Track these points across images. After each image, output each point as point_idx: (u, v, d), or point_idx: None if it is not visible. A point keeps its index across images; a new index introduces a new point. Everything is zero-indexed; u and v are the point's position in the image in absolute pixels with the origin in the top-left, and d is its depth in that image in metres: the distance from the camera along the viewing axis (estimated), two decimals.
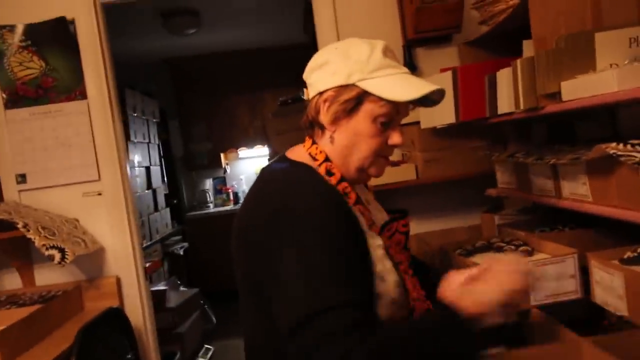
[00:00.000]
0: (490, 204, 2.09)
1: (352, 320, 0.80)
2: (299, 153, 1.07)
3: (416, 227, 2.24)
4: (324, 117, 1.01)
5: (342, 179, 1.01)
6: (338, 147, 1.02)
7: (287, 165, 1.04)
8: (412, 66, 2.31)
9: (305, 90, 1.10)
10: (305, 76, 1.08)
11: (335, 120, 1.01)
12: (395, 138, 1.03)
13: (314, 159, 1.03)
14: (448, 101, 1.89)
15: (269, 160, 4.74)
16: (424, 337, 0.83)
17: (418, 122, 2.10)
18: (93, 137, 2.34)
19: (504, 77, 1.62)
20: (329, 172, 1.01)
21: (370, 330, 0.81)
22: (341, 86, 0.99)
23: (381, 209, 1.15)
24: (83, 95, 2.32)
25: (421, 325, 0.88)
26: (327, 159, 1.02)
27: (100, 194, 2.36)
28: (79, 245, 2.18)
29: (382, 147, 1.02)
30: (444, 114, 1.93)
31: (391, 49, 1.04)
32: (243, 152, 5.63)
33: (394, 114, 1.00)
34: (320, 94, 1.02)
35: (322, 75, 1.02)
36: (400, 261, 1.01)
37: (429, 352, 0.81)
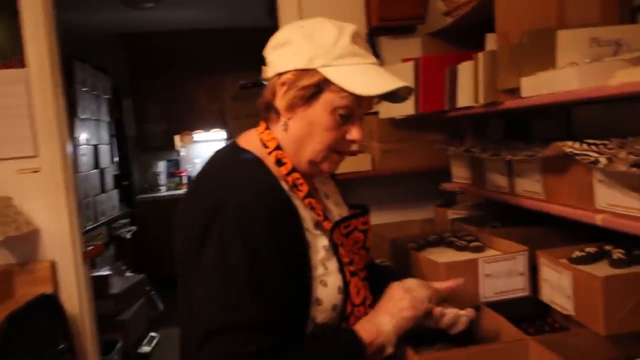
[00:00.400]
0: (445, 198, 2.08)
1: (256, 347, 0.79)
2: (249, 139, 1.00)
3: (371, 219, 2.21)
4: (280, 102, 0.94)
5: (294, 169, 0.95)
6: (291, 136, 0.95)
7: (232, 155, 0.98)
8: (374, 55, 2.27)
9: (263, 68, 1.02)
10: (265, 53, 1.00)
11: (292, 107, 0.94)
12: (354, 133, 0.94)
13: (265, 146, 0.97)
14: None
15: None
16: None
17: (377, 112, 2.06)
18: (32, 109, 2.17)
19: (465, 70, 1.59)
20: (280, 162, 0.95)
21: (277, 355, 0.80)
22: (302, 70, 0.91)
23: (341, 202, 1.09)
24: (22, 64, 2.15)
25: (323, 351, 0.88)
26: (278, 147, 0.96)
27: (37, 172, 2.20)
28: (9, 226, 2.02)
29: (338, 141, 0.95)
30: (403, 105, 1.87)
31: (361, 35, 0.97)
32: (199, 135, 5.47)
33: (355, 107, 0.93)
34: (279, 75, 0.94)
35: (282, 54, 0.94)
36: (351, 261, 0.96)
37: None
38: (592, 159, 0.91)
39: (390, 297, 0.94)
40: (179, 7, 4.18)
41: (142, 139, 5.25)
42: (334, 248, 0.93)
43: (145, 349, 3.46)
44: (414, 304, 0.92)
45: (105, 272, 3.36)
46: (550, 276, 1.08)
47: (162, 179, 5.40)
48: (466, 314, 0.99)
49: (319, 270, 0.90)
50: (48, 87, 2.18)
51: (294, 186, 0.94)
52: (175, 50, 5.07)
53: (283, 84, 0.93)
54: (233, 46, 4.94)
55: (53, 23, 2.20)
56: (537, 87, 1.23)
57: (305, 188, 0.94)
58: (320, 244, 0.93)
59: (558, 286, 1.04)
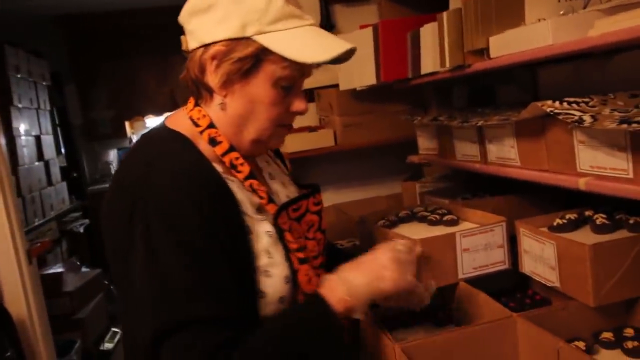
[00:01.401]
0: (411, 172, 2.01)
1: (210, 343, 0.70)
2: (177, 119, 0.87)
3: (334, 197, 2.12)
4: (212, 79, 0.81)
5: (231, 148, 0.83)
6: (230, 116, 0.84)
7: (156, 139, 0.85)
8: (329, 23, 2.16)
9: (182, 38, 0.87)
10: (182, 19, 0.85)
11: (227, 83, 0.81)
12: (298, 104, 0.85)
13: (196, 125, 0.84)
14: (368, 61, 1.76)
15: None
16: (292, 345, 0.76)
17: (336, 85, 1.96)
18: None
19: (428, 33, 1.50)
20: (214, 141, 0.83)
21: (232, 348, 0.71)
22: (234, 39, 0.79)
23: (289, 183, 0.99)
24: None
25: (290, 331, 0.78)
26: (211, 125, 0.84)
27: None
28: None
29: (283, 115, 0.85)
30: (364, 75, 1.80)
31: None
32: (150, 120, 5.21)
33: (298, 76, 0.83)
34: (205, 47, 0.81)
35: (206, 22, 0.81)
36: (303, 247, 0.86)
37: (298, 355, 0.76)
38: (576, 117, 0.84)
39: (373, 258, 0.85)
40: None
41: (89, 127, 4.95)
42: (280, 234, 0.83)
43: (108, 345, 3.31)
44: (396, 280, 0.81)
45: (57, 269, 3.16)
46: (531, 247, 1.01)
47: (114, 168, 5.14)
48: (428, 286, 0.91)
49: (262, 260, 0.80)
50: None
51: (233, 167, 0.83)
52: (119, 31, 4.76)
53: (213, 57, 0.80)
54: (173, 25, 4.68)
55: None
56: (507, 46, 1.15)
57: (246, 169, 0.83)
58: (262, 229, 0.82)
59: (540, 257, 0.98)
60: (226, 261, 0.75)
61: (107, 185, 4.85)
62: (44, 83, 4.11)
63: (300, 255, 0.83)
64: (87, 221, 4.35)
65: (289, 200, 0.88)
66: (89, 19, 4.65)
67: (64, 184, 4.17)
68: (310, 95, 2.14)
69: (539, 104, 0.93)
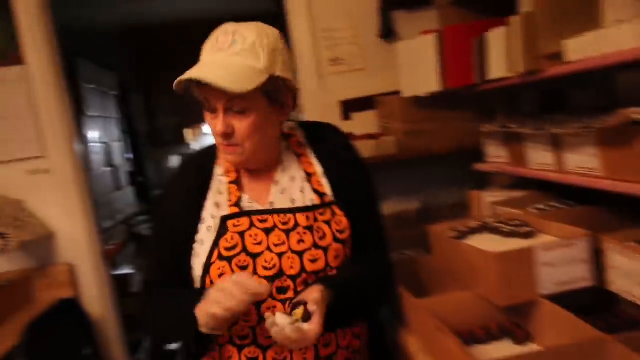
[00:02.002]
0: (475, 181, 1.95)
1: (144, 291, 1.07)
2: None
3: (395, 206, 2.10)
4: None
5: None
6: None
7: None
8: (388, 30, 2.14)
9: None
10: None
11: None
12: (213, 125, 0.97)
13: None
14: (431, 67, 1.73)
15: None
16: (161, 317, 1.02)
17: (398, 92, 1.94)
18: (34, 108, 2.08)
19: (496, 38, 1.45)
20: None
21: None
22: None
23: (298, 198, 1.03)
24: (20, 61, 2.05)
25: (167, 305, 1.01)
26: None
27: (47, 172, 2.12)
28: (24, 230, 1.95)
29: (215, 134, 0.98)
30: (427, 81, 1.77)
31: (230, 32, 0.95)
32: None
33: (203, 99, 0.97)
34: None
35: None
36: (233, 246, 0.97)
37: (159, 330, 1.08)
38: None
39: (215, 285, 0.92)
40: None
41: (153, 134, 5.17)
42: (219, 231, 0.97)
43: (173, 345, 3.41)
44: (220, 301, 0.86)
45: (126, 270, 3.30)
46: (620, 263, 0.95)
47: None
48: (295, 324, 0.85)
49: (196, 244, 1.00)
50: (52, 84, 2.09)
51: (227, 172, 1.04)
52: (181, 42, 4.93)
53: None
54: None
55: (49, 19, 2.11)
56: (585, 49, 1.10)
57: (232, 176, 1.03)
58: (207, 223, 1.00)
59: (630, 274, 0.92)
60: (171, 236, 1.02)
61: None
62: (112, 93, 4.32)
63: (226, 253, 0.96)
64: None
65: (233, 213, 0.99)
66: (152, 31, 4.85)
67: (131, 188, 4.36)
68: (370, 102, 2.14)
69: (628, 111, 0.88)
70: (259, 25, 0.97)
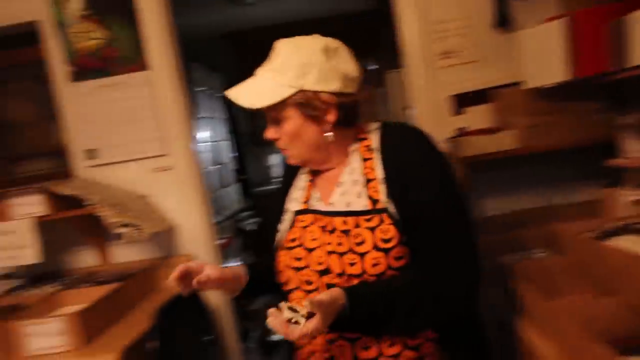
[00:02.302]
0: (607, 177, 1.79)
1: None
2: None
3: (514, 204, 1.99)
4: None
5: None
6: None
7: None
8: (503, 19, 2.03)
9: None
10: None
11: None
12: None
13: None
14: (557, 56, 1.61)
15: None
16: None
17: (518, 83, 1.83)
18: (157, 110, 2.24)
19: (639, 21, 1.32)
20: None
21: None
22: None
23: (354, 200, 1.06)
24: (145, 67, 2.21)
25: None
26: None
27: (170, 169, 2.27)
28: (151, 223, 2.10)
29: None
30: (551, 71, 1.65)
31: (274, 49, 1.07)
32: None
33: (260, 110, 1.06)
34: None
35: None
36: (294, 238, 1.10)
37: None
38: None
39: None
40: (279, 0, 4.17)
41: (255, 134, 5.37)
42: (291, 224, 1.12)
43: (276, 337, 3.53)
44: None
45: (234, 263, 3.46)
46: None
47: (275, 171, 5.50)
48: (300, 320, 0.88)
49: (278, 232, 1.16)
50: (173, 87, 2.23)
51: (307, 170, 1.17)
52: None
53: None
54: (337, 34, 4.81)
55: (171, 25, 2.25)
56: None
57: (309, 175, 1.16)
58: (287, 215, 1.15)
59: None
60: (268, 225, 1.21)
61: (269, 187, 5.21)
62: (218, 95, 4.55)
63: (288, 244, 1.10)
64: (258, 219, 4.71)
65: (310, 209, 1.11)
66: (253, 33, 5.04)
67: (236, 185, 4.57)
68: (484, 96, 2.04)
69: None
70: (299, 40, 1.05)
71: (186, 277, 1.07)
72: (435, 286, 0.98)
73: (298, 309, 0.88)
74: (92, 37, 2.20)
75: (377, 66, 4.30)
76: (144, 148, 2.25)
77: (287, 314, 0.88)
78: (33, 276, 2.29)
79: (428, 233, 0.99)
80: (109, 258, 2.33)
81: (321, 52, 1.02)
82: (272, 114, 1.05)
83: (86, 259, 2.35)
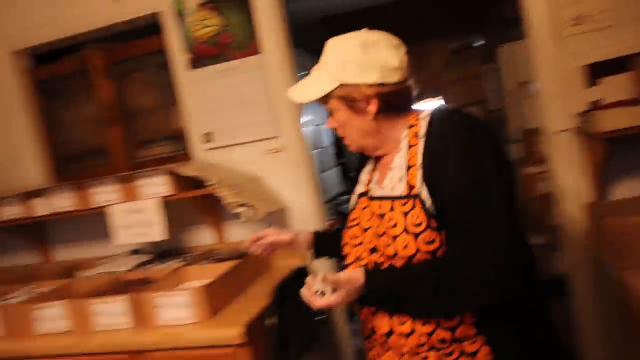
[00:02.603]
0: None
1: None
2: None
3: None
4: None
5: None
6: None
7: None
8: None
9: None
10: None
11: None
12: None
13: None
14: None
15: None
16: None
17: None
18: (269, 93, 2.27)
19: None
20: None
21: None
22: None
23: (395, 184, 1.13)
24: (257, 51, 2.26)
25: None
26: None
27: (280, 151, 2.31)
28: (265, 203, 2.16)
29: None
30: None
31: (324, 47, 1.17)
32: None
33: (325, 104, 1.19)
34: None
35: None
36: (353, 219, 1.24)
37: None
38: None
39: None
40: None
41: None
42: (355, 205, 1.25)
43: None
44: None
45: None
46: None
47: None
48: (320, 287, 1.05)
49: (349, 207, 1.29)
50: (284, 71, 2.26)
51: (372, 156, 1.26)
52: (375, 25, 4.98)
53: None
54: (436, 13, 4.65)
55: (282, 9, 2.27)
56: None
57: (373, 161, 1.25)
58: (354, 197, 1.28)
59: None
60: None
61: None
62: None
63: (350, 223, 1.24)
64: None
65: (360, 193, 1.25)
66: (348, 17, 4.99)
67: (336, 169, 4.59)
68: (622, 64, 1.83)
69: None
70: (341, 37, 1.15)
71: (258, 240, 1.46)
72: (457, 272, 1.00)
73: (326, 283, 1.04)
74: (207, 24, 2.29)
75: (484, 42, 4.07)
76: (257, 131, 2.31)
77: (317, 285, 1.04)
78: (157, 252, 2.46)
79: (456, 219, 1.02)
80: (224, 237, 2.44)
81: (359, 47, 1.10)
82: (325, 107, 1.18)
83: (204, 237, 2.47)
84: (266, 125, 2.30)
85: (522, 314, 1.07)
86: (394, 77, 1.09)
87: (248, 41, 2.26)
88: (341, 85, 1.11)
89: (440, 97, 4.99)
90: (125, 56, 2.58)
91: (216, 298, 1.78)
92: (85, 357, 1.77)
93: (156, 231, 2.10)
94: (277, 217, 2.31)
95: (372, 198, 1.18)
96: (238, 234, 2.39)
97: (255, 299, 1.86)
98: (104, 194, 2.18)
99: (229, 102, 2.31)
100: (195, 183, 2.16)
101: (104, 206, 2.18)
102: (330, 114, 1.18)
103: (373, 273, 1.08)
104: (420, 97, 4.82)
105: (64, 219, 2.46)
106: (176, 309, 1.74)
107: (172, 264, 2.22)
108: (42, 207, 2.30)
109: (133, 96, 2.61)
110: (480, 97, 3.87)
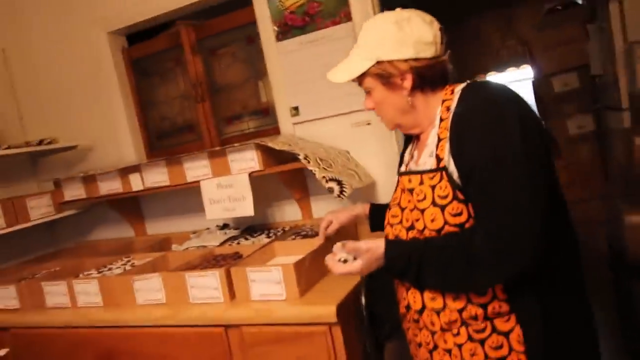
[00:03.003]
0: None
1: None
2: None
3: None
4: None
5: None
6: None
7: None
8: None
9: None
10: None
11: None
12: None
13: None
14: None
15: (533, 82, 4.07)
16: None
17: None
18: None
19: None
20: None
21: None
22: None
23: (427, 161, 1.16)
24: (347, 18, 2.16)
25: None
26: None
27: (369, 124, 2.22)
28: (354, 178, 2.08)
29: None
30: None
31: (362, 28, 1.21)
32: (491, 77, 5.03)
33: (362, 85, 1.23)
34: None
35: None
36: (396, 198, 1.25)
37: None
38: None
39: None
40: None
41: None
42: (397, 184, 1.28)
43: None
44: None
45: None
46: None
47: None
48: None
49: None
50: None
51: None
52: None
53: None
54: None
55: None
56: None
57: (413, 143, 1.28)
58: (397, 177, 1.29)
59: None
60: None
61: None
62: None
63: (391, 203, 1.27)
64: None
65: (402, 172, 1.25)
66: None
67: None
68: None
69: None
70: (376, 17, 1.19)
71: (328, 227, 1.63)
72: (474, 242, 1.00)
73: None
74: None
75: (584, 1, 3.68)
76: (345, 103, 2.23)
77: (341, 253, 1.15)
78: (243, 228, 2.47)
79: (478, 192, 1.02)
80: (309, 213, 2.41)
81: (393, 24, 1.12)
82: (362, 86, 1.21)
83: (289, 213, 2.45)
84: (353, 96, 2.21)
85: (556, 293, 1.06)
86: (428, 52, 1.12)
87: (337, 9, 2.17)
88: (378, 63, 1.14)
89: (529, 65, 4.64)
90: (216, 31, 2.57)
91: (307, 275, 1.75)
92: (181, 329, 1.81)
93: (246, 206, 2.09)
94: (362, 192, 2.23)
95: (400, 173, 1.23)
96: (324, 210, 2.35)
97: (342, 278, 1.80)
98: (195, 169, 2.20)
99: (317, 74, 2.24)
100: (282, 158, 2.12)
101: (196, 181, 2.21)
102: (368, 94, 1.21)
103: (393, 242, 1.14)
104: (505, 66, 4.48)
105: (157, 194, 2.54)
106: (269, 285, 1.73)
107: (261, 239, 2.22)
108: (137, 183, 2.38)
109: (222, 71, 2.61)
110: (580, 61, 3.53)
